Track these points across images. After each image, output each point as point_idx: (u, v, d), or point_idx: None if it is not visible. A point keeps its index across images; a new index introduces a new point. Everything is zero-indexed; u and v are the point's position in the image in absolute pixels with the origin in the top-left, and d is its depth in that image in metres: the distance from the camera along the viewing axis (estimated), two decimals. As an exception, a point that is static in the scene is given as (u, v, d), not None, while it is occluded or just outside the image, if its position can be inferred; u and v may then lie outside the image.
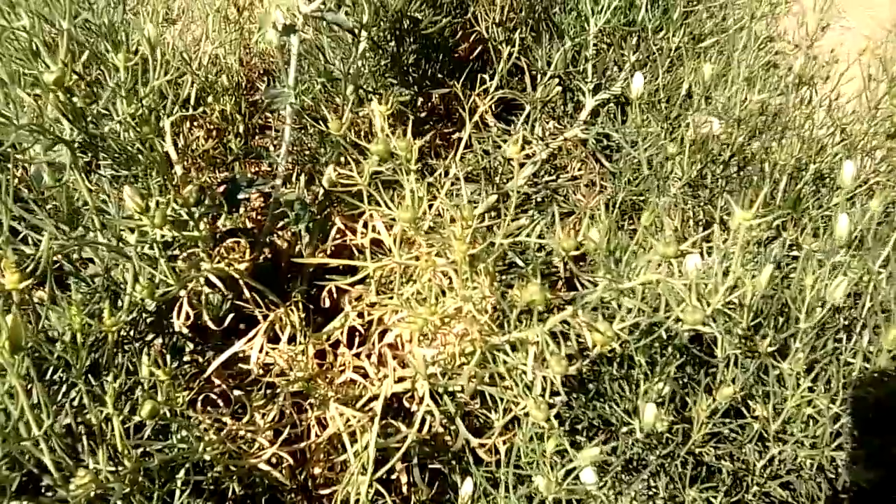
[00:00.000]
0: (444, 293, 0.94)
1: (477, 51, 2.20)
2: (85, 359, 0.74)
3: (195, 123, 1.97)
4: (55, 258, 0.97)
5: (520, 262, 1.37)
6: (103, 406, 0.76)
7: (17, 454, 0.68)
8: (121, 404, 0.79)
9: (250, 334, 1.07)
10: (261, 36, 1.85)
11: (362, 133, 1.92)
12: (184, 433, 0.88)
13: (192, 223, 1.00)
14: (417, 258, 1.00)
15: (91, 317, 0.82)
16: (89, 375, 0.81)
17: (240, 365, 1.09)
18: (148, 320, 1.13)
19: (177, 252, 1.03)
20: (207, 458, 0.87)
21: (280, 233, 1.76)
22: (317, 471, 1.03)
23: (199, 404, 1.02)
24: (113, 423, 0.74)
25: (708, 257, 1.06)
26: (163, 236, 0.90)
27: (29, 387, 0.66)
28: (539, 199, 1.87)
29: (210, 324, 1.06)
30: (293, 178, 1.72)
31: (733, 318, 1.05)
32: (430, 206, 1.03)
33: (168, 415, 0.81)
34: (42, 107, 0.91)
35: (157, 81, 0.90)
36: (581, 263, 1.66)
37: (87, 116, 0.92)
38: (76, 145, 0.94)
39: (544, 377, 0.82)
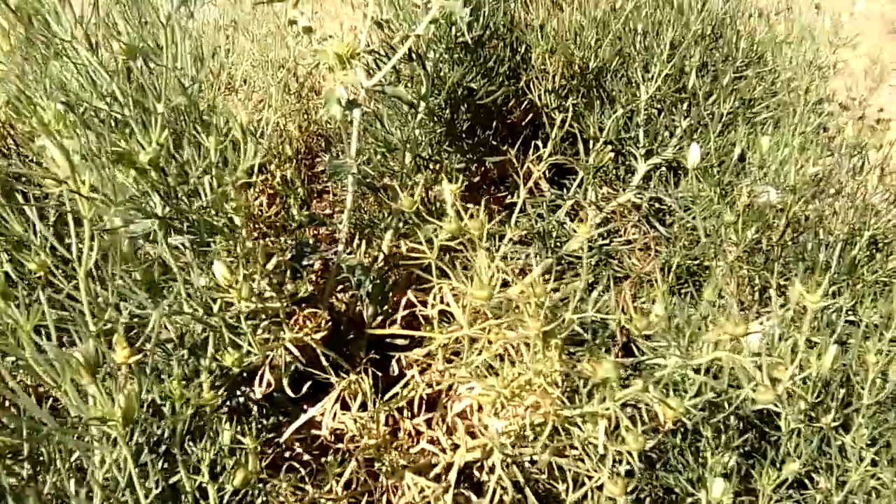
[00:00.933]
0: (513, 364, 0.97)
1: (529, 117, 2.25)
2: (183, 429, 0.78)
3: (257, 189, 2.04)
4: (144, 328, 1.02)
5: (578, 330, 1.39)
6: (195, 474, 0.79)
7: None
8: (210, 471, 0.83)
9: (323, 401, 1.10)
10: (325, 111, 1.93)
11: (418, 199, 1.97)
12: (265, 498, 0.91)
13: (271, 293, 1.05)
14: (487, 330, 1.03)
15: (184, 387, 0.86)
16: (184, 444, 0.84)
17: (311, 431, 1.12)
18: (222, 387, 1.17)
19: (256, 322, 1.08)
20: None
21: (339, 296, 1.81)
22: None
23: (274, 471, 1.05)
24: (208, 491, 0.77)
25: (767, 326, 1.08)
26: (247, 307, 0.94)
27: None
28: (593, 263, 1.90)
29: (288, 391, 1.10)
30: (353, 244, 1.77)
31: (796, 394, 1.06)
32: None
33: (254, 482, 0.84)
34: (136, 184, 0.97)
35: (247, 164, 0.95)
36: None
37: (178, 193, 0.97)
38: (166, 220, 1.00)
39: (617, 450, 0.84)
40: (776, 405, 0.93)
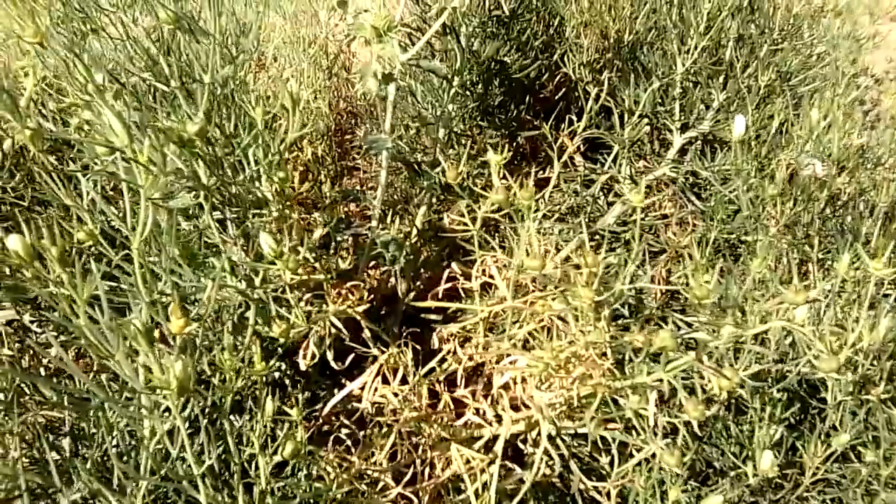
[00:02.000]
0: (558, 336, 0.96)
1: (562, 92, 2.23)
2: (232, 400, 0.78)
3: (290, 166, 2.04)
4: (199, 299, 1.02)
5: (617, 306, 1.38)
6: (246, 446, 0.79)
7: (172, 491, 0.72)
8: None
9: (363, 375, 1.10)
10: (361, 84, 1.92)
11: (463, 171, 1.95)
12: (308, 470, 0.91)
13: (315, 266, 1.04)
14: (531, 302, 1.02)
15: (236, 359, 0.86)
16: (234, 415, 0.84)
17: (353, 404, 1.12)
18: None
19: (300, 294, 1.07)
20: (339, 496, 0.90)
21: (371, 272, 1.80)
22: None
23: (318, 443, 1.05)
24: (259, 462, 0.77)
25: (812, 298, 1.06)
26: (292, 279, 0.94)
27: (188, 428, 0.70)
28: (628, 238, 1.88)
29: (332, 363, 1.10)
30: (387, 220, 1.77)
31: (849, 365, 1.04)
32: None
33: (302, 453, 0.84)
34: (181, 157, 0.96)
35: (294, 134, 0.94)
36: (672, 303, 1.66)
37: (225, 165, 0.97)
38: (213, 192, 0.99)
39: (668, 422, 0.83)
40: (829, 376, 0.91)
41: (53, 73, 1.30)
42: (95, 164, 0.90)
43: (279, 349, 1.02)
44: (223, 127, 0.94)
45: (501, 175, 1.09)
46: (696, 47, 2.01)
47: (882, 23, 2.48)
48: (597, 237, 1.87)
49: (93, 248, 0.90)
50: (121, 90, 1.02)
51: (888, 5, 2.24)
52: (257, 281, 1.00)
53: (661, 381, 0.85)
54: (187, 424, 0.87)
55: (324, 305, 1.06)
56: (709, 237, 1.74)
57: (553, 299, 0.96)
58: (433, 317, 1.50)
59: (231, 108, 0.97)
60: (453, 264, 1.19)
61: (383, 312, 1.67)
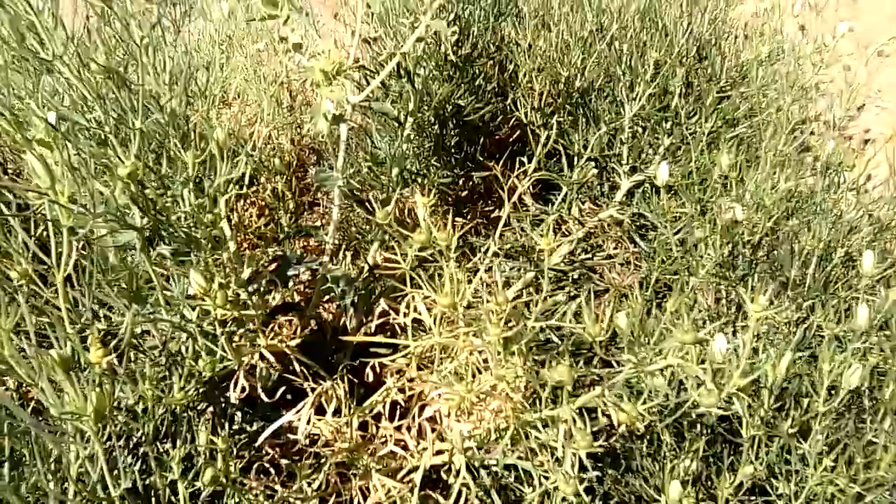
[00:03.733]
0: (480, 371, 1.01)
1: (516, 134, 2.30)
2: (154, 428, 0.81)
3: (248, 201, 2.09)
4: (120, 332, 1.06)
5: (556, 340, 1.43)
6: (167, 472, 0.83)
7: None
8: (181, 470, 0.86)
9: (299, 406, 1.14)
10: (312, 125, 1.97)
11: (406, 210, 2.01)
12: (237, 498, 0.94)
13: (248, 301, 1.08)
14: (457, 337, 1.07)
15: (156, 388, 0.90)
16: (158, 443, 0.88)
17: (287, 435, 1.16)
18: (201, 391, 1.21)
19: (233, 328, 1.11)
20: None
21: (326, 306, 1.85)
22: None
23: (251, 473, 1.09)
24: (178, 487, 0.81)
25: (736, 338, 1.12)
26: (222, 315, 0.98)
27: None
28: (575, 277, 1.94)
29: (263, 396, 1.13)
30: (340, 255, 1.81)
31: (757, 401, 1.09)
32: (470, 282, 1.10)
33: (224, 481, 0.88)
34: (115, 196, 1.01)
35: (222, 178, 0.99)
36: (615, 341, 1.72)
37: (157, 205, 1.01)
38: (145, 231, 1.04)
39: (574, 453, 0.87)
40: (730, 412, 0.97)
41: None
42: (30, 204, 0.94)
43: (216, 379, 1.06)
44: (157, 169, 0.99)
45: (443, 216, 1.14)
46: (643, 94, 2.09)
47: (830, 72, 2.58)
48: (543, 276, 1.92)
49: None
50: (69, 130, 1.07)
51: (831, 55, 2.34)
52: (193, 315, 1.04)
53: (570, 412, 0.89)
54: (125, 451, 0.91)
55: (257, 339, 1.10)
56: (650, 277, 1.81)
57: (474, 335, 1.01)
58: (383, 350, 1.54)
59: (167, 151, 1.02)
60: (382, 301, 1.24)
61: (335, 346, 1.71)
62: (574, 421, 0.83)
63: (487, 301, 0.94)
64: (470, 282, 1.11)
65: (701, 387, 0.82)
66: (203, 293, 0.94)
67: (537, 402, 0.98)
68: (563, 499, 0.92)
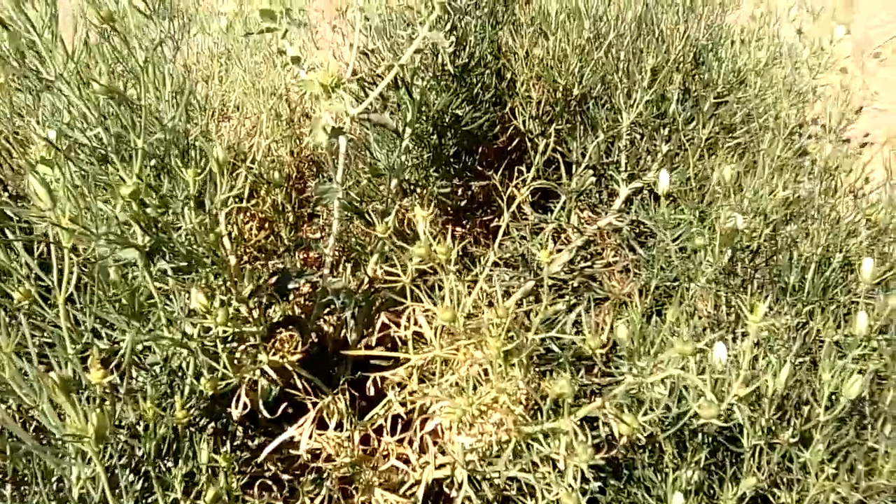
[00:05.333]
0: (481, 384, 1.01)
1: (514, 143, 2.31)
2: (155, 446, 0.82)
3: (248, 214, 2.09)
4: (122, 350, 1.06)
5: (557, 350, 1.43)
6: (170, 491, 0.83)
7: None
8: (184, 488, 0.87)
9: (300, 421, 1.14)
10: (311, 137, 1.98)
11: (406, 222, 2.01)
12: (239, 515, 0.95)
13: (248, 317, 1.09)
14: (458, 349, 1.07)
15: (158, 406, 0.90)
16: (160, 462, 0.88)
17: (289, 450, 1.16)
18: (203, 407, 1.21)
19: (234, 344, 1.12)
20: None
21: (326, 318, 1.85)
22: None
23: (253, 489, 1.09)
24: (181, 507, 0.81)
25: (736, 345, 1.12)
26: (224, 331, 0.98)
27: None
28: (575, 286, 1.94)
29: (264, 412, 1.14)
30: (340, 267, 1.82)
31: (758, 410, 1.09)
32: (470, 293, 1.10)
33: (227, 499, 0.88)
34: (116, 215, 1.01)
35: (223, 196, 1.00)
36: (615, 351, 1.72)
37: (159, 224, 1.02)
38: (146, 249, 1.04)
39: (576, 465, 0.87)
40: (730, 423, 0.97)
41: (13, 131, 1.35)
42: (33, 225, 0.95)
43: (215, 397, 1.07)
44: (158, 187, 1.00)
45: (443, 226, 1.15)
46: (641, 100, 2.09)
47: (828, 76, 2.59)
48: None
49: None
50: (70, 149, 1.08)
51: (828, 59, 2.34)
52: (194, 333, 1.04)
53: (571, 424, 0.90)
54: (129, 470, 0.91)
55: (258, 355, 1.11)
56: (650, 285, 1.81)
57: (475, 348, 1.01)
58: (384, 363, 1.54)
59: (168, 169, 1.03)
60: (382, 314, 1.24)
61: (336, 359, 1.71)
62: (575, 433, 0.83)
63: (487, 313, 0.94)
64: (470, 293, 1.11)
65: (701, 398, 0.82)
66: (205, 310, 0.94)
67: (539, 414, 0.99)
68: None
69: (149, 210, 1.00)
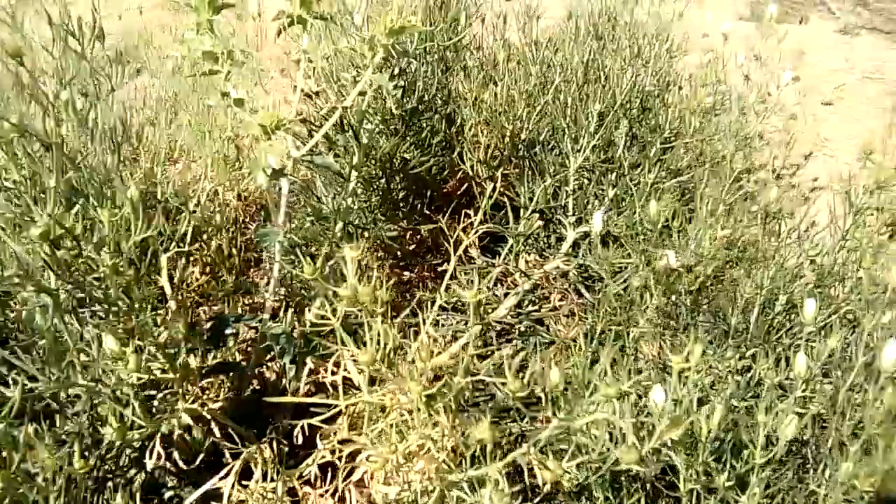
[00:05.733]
0: (407, 431, 0.98)
1: (463, 187, 2.30)
2: (56, 499, 0.77)
3: (191, 258, 2.05)
4: (43, 396, 1.02)
5: (487, 396, 1.41)
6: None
7: None
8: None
9: (222, 472, 1.10)
10: (251, 178, 1.95)
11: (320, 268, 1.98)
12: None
13: (177, 362, 1.05)
14: (384, 395, 1.04)
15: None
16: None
17: (214, 502, 1.12)
18: (132, 456, 1.17)
19: (153, 392, 1.08)
20: None
21: (269, 365, 1.80)
22: None
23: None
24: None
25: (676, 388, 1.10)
26: (139, 378, 0.94)
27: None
28: (522, 329, 1.92)
29: (180, 463, 1.09)
30: (282, 312, 1.78)
31: (693, 454, 1.08)
32: (416, 336, 1.07)
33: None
34: (30, 258, 0.98)
35: (138, 237, 0.97)
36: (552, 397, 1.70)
37: (72, 267, 0.98)
38: (62, 293, 1.00)
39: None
40: (657, 465, 0.95)
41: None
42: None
43: (130, 447, 1.02)
44: (72, 229, 0.96)
45: (389, 270, 1.12)
46: (587, 145, 2.11)
47: (777, 121, 2.63)
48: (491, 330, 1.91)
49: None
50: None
51: (776, 104, 2.39)
52: (110, 380, 1.00)
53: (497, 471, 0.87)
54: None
55: (177, 403, 1.07)
56: (595, 329, 1.79)
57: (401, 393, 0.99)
58: (321, 410, 1.50)
59: (81, 211, 1.00)
60: (308, 359, 1.21)
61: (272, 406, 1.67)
62: (496, 482, 0.81)
63: (412, 359, 0.92)
64: (415, 335, 1.08)
65: (623, 443, 0.80)
66: (116, 357, 0.91)
67: (464, 461, 0.96)
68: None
69: (60, 252, 0.96)
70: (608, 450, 0.86)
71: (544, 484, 0.83)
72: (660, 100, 2.44)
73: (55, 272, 0.94)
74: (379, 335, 0.97)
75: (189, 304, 1.93)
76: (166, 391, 1.09)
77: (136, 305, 1.02)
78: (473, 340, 1.77)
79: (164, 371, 1.04)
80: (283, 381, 1.67)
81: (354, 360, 1.09)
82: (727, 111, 2.55)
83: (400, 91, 2.15)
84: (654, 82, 2.43)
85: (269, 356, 1.71)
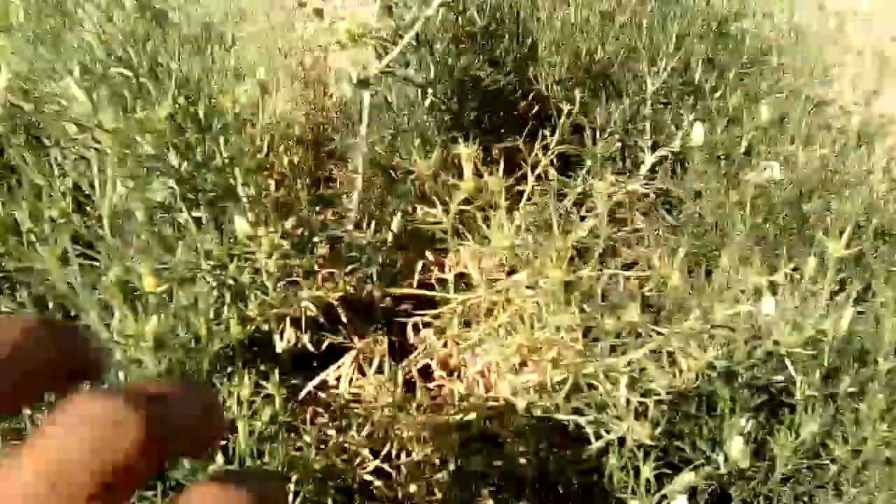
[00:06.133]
0: (531, 324, 0.97)
1: (536, 108, 2.26)
2: (208, 362, 0.77)
3: (265, 173, 2.04)
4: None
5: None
6: (228, 411, 0.79)
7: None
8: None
9: (339, 362, 1.10)
10: (336, 89, 1.93)
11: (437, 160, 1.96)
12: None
13: (292, 252, 1.05)
14: (501, 291, 1.03)
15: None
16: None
17: (330, 391, 1.12)
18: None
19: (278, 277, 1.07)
20: (316, 467, 0.90)
21: (346, 279, 1.80)
22: (412, 488, 1.04)
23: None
24: (238, 425, 0.77)
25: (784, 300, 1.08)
26: (266, 263, 0.94)
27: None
28: (601, 252, 1.89)
29: (310, 346, 1.10)
30: (363, 225, 1.77)
31: (816, 360, 1.06)
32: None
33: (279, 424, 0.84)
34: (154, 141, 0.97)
35: (266, 120, 0.96)
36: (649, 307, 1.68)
37: (197, 149, 0.97)
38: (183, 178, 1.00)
39: (640, 403, 0.84)
40: (792, 371, 0.93)
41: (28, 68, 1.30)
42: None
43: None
44: (194, 114, 0.95)
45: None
46: (665, 68, 2.05)
47: (849, 51, 2.56)
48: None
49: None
50: (94, 81, 1.03)
51: (852, 34, 2.31)
52: (231, 267, 1.00)
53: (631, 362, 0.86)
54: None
55: (299, 292, 1.07)
56: (679, 251, 1.77)
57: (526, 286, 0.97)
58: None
59: (201, 98, 0.98)
60: (427, 253, 1.20)
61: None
62: (641, 370, 0.80)
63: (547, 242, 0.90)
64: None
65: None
66: (249, 238, 0.90)
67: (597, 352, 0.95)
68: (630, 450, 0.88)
69: (187, 135, 0.95)
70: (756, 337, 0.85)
71: (688, 371, 0.82)
72: (736, 24, 2.39)
73: (182, 156, 0.93)
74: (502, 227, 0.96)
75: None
76: (284, 281, 1.09)
77: (260, 191, 1.02)
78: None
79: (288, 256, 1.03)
80: (367, 293, 1.67)
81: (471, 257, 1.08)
82: (802, 40, 2.48)
83: (474, 7, 2.11)
84: (728, 7, 2.37)
85: (349, 268, 1.71)
